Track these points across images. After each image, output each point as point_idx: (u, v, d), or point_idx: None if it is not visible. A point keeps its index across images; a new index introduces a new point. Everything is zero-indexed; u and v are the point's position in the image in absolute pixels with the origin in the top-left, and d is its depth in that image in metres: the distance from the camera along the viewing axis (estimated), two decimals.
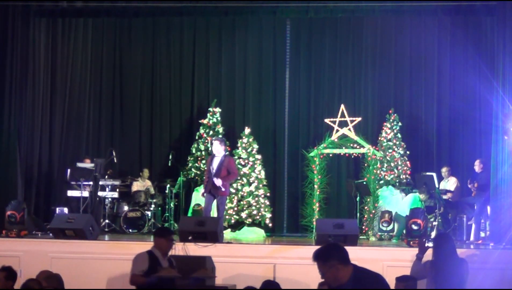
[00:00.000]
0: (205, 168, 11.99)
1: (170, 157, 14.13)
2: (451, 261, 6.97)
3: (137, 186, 14.51)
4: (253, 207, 13.51)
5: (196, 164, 14.28)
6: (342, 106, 13.64)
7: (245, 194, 13.56)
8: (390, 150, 14.10)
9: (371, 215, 13.07)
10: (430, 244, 7.38)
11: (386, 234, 12.77)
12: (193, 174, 14.27)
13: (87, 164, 13.53)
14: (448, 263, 6.93)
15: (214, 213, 11.80)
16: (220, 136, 14.35)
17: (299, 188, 14.46)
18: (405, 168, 14.16)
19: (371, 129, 14.83)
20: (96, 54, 15.42)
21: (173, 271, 7.49)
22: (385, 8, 13.83)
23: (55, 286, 6.59)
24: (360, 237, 11.21)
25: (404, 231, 11.78)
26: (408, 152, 14.29)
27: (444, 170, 13.62)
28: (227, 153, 12.20)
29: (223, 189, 11.23)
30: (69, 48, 15.02)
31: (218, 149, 11.48)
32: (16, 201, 11.94)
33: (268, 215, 13.66)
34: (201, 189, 12.05)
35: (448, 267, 6.92)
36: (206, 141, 14.27)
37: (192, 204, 13.72)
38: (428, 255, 7.23)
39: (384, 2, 13.67)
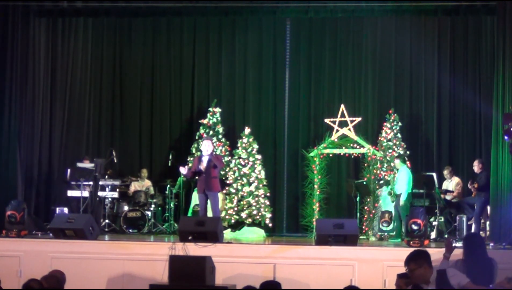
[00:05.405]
0: (192, 167, 11.95)
1: (170, 157, 14.10)
2: (482, 260, 7.23)
3: (135, 186, 14.51)
4: (253, 207, 13.50)
5: None
6: (342, 106, 13.64)
7: (245, 194, 13.55)
8: (390, 150, 14.09)
9: (371, 215, 13.07)
10: (458, 244, 7.49)
11: (386, 234, 12.77)
12: None
13: (87, 164, 13.53)
14: (479, 262, 7.19)
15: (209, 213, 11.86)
16: (220, 136, 14.39)
17: (299, 188, 14.46)
18: None
19: (371, 129, 14.82)
20: (96, 54, 15.42)
21: None
22: (385, 8, 13.87)
23: (54, 286, 6.59)
24: (360, 237, 11.20)
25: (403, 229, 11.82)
26: (408, 152, 14.27)
27: (446, 172, 13.60)
28: (215, 151, 12.63)
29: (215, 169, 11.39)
30: (69, 47, 15.01)
31: (208, 149, 11.65)
32: (16, 201, 11.92)
33: (268, 215, 13.65)
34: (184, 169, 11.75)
35: (479, 266, 7.15)
36: None
37: (192, 204, 13.72)
38: (454, 255, 7.33)
39: (384, 2, 13.70)
